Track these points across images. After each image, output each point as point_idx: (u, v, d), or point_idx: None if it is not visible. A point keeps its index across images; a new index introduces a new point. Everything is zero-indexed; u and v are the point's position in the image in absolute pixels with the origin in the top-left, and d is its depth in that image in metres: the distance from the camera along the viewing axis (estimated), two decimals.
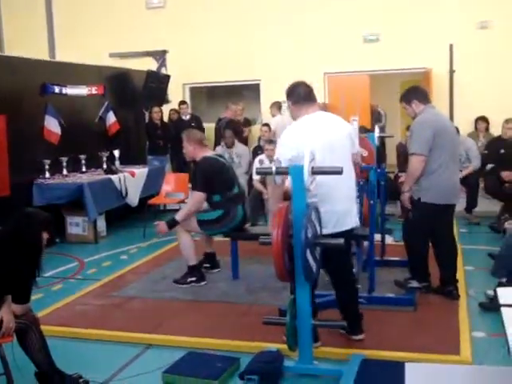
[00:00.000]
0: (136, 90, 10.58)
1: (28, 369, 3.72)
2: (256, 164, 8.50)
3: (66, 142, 8.39)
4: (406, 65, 10.70)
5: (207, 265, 6.36)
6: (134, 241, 8.06)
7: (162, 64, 11.61)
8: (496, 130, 9.63)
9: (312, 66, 11.18)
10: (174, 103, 11.57)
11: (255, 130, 11.24)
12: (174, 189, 9.06)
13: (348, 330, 4.25)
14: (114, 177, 8.51)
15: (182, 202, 8.70)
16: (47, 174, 8.12)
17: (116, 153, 9.27)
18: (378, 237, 5.73)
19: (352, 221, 4.12)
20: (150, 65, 11.46)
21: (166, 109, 11.32)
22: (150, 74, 10.69)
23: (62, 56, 12.07)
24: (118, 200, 8.53)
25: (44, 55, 12.04)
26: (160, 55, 11.93)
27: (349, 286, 4.31)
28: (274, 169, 3.74)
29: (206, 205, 6.03)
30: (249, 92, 12.60)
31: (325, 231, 3.85)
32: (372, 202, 5.22)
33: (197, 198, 5.84)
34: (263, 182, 8.51)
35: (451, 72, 10.74)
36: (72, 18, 12.63)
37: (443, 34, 10.66)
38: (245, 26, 11.63)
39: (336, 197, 3.94)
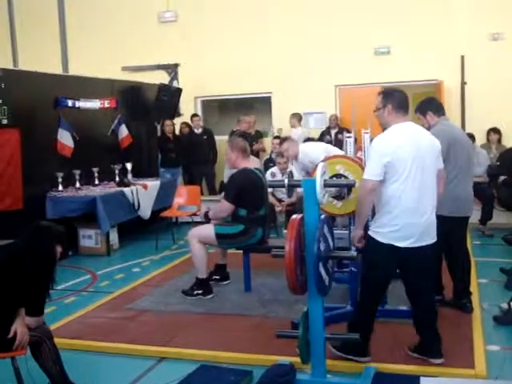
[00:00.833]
0: (148, 103, 10.65)
1: (42, 381, 3.73)
2: (268, 177, 8.51)
3: (79, 154, 8.45)
4: (418, 77, 10.69)
5: (217, 276, 6.35)
6: (146, 253, 8.08)
7: (174, 77, 11.68)
8: (508, 142, 9.61)
9: (323, 79, 11.21)
10: (185, 116, 11.62)
11: (267, 143, 11.26)
12: (187, 201, 9.08)
13: (424, 352, 4.16)
14: (126, 189, 8.55)
15: (194, 214, 8.73)
16: (60, 187, 8.17)
17: (128, 166, 9.31)
18: None
19: (434, 233, 4.08)
20: (162, 78, 11.53)
21: (177, 122, 11.37)
22: (161, 87, 10.76)
23: (74, 70, 12.16)
24: (130, 213, 8.57)
25: (57, 69, 12.14)
26: (172, 68, 12.01)
27: (430, 302, 4.23)
28: (286, 182, 3.75)
29: None
30: (260, 104, 12.64)
31: (407, 244, 3.89)
32: None
33: (224, 208, 5.81)
34: (274, 195, 8.53)
35: (463, 84, 10.72)
36: (85, 32, 12.73)
37: (454, 46, 10.65)
38: (256, 38, 11.68)
39: (420, 210, 3.92)
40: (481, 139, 9.92)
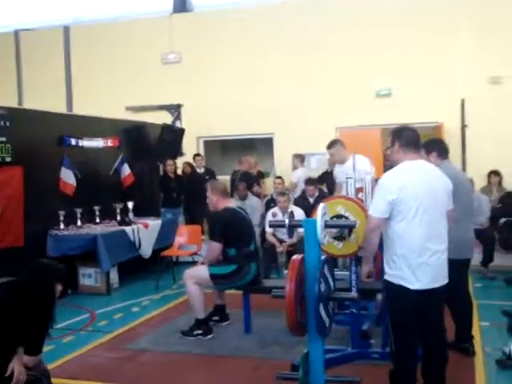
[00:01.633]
0: (151, 143, 10.73)
1: None
2: (269, 217, 8.52)
3: (81, 193, 8.49)
4: (418, 119, 10.75)
5: (216, 317, 6.32)
6: (146, 293, 8.04)
7: (177, 117, 11.82)
8: (509, 184, 9.63)
9: (324, 121, 11.32)
10: (188, 156, 11.70)
11: (268, 183, 11.30)
12: (187, 241, 9.08)
13: None
14: (127, 228, 8.56)
15: (195, 254, 8.72)
16: (62, 225, 8.18)
17: (130, 204, 9.34)
18: None
19: (446, 273, 4.02)
20: (165, 118, 11.67)
21: (180, 162, 11.43)
22: (164, 127, 10.86)
23: (79, 109, 12.31)
24: (131, 251, 8.56)
25: (61, 108, 12.29)
26: (175, 109, 12.17)
27: (441, 344, 4.14)
28: (287, 222, 3.76)
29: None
30: (262, 145, 12.74)
31: (419, 286, 3.83)
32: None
33: (213, 248, 5.87)
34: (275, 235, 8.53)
35: (463, 126, 10.82)
36: (89, 72, 12.94)
37: (455, 89, 10.78)
38: (258, 80, 11.85)
39: (431, 250, 3.86)
40: (481, 181, 9.95)
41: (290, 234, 8.43)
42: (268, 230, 8.50)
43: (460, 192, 4.89)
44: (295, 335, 3.67)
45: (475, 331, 5.41)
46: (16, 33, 13.73)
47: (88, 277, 8.15)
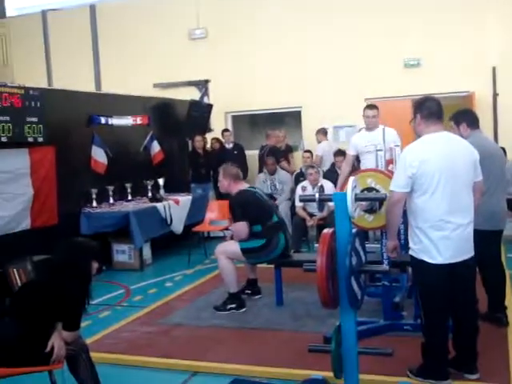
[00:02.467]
0: (179, 120, 10.77)
1: None
2: (299, 191, 8.53)
3: (112, 171, 8.59)
4: (448, 89, 10.61)
5: (248, 291, 6.39)
6: (178, 268, 8.15)
7: (205, 93, 11.80)
8: None
9: (353, 92, 11.20)
10: (216, 132, 11.72)
11: (297, 157, 11.27)
12: (218, 216, 9.14)
13: (461, 367, 4.10)
14: (158, 205, 8.64)
15: (226, 229, 8.77)
16: (94, 203, 8.31)
17: (161, 181, 9.42)
18: None
19: (471, 247, 4.00)
20: (193, 94, 11.66)
21: (208, 137, 11.46)
22: (192, 103, 10.88)
23: (107, 87, 12.38)
24: (163, 228, 8.66)
25: (90, 87, 12.38)
26: (202, 84, 12.14)
27: (472, 318, 4.16)
28: (317, 196, 3.76)
29: None
30: (290, 119, 12.68)
31: (442, 260, 3.84)
32: None
33: (240, 228, 5.93)
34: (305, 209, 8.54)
35: (495, 95, 10.62)
36: (116, 51, 12.98)
37: (485, 57, 10.57)
38: (286, 53, 11.75)
39: (453, 223, 3.84)
40: None
41: (321, 208, 8.42)
42: (298, 204, 8.51)
43: (491, 162, 4.82)
44: (327, 308, 3.69)
45: (508, 301, 5.38)
46: (43, 13, 13.80)
47: (122, 253, 8.28)
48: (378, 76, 11.13)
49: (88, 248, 3.76)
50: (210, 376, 4.49)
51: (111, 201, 8.59)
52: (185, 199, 9.29)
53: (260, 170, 10.53)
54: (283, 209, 9.14)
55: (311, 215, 8.49)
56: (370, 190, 4.76)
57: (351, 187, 3.50)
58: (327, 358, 3.59)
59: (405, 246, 4.74)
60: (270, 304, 6.09)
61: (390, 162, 5.23)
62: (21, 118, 6.90)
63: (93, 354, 3.84)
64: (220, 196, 10.88)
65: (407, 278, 5.60)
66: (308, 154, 10.00)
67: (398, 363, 4.14)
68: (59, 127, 7.74)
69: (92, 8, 13.40)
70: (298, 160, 11.14)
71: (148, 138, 9.63)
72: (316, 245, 3.50)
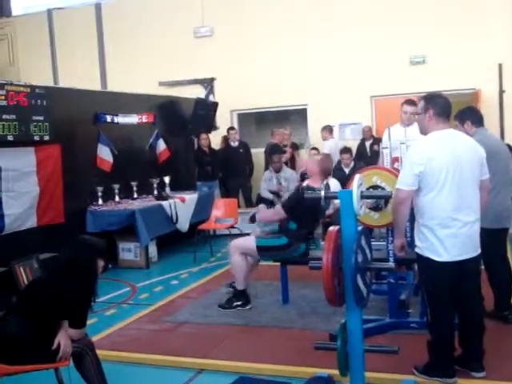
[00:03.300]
0: (185, 118, 10.78)
1: None
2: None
3: (118, 169, 8.60)
4: (454, 86, 10.58)
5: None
6: (184, 266, 8.16)
7: (210, 91, 11.81)
8: None
9: (359, 89, 11.20)
10: (222, 130, 11.72)
11: (303, 155, 11.27)
12: (224, 214, 9.15)
13: (467, 365, 4.09)
14: (164, 203, 8.65)
15: (232, 227, 8.78)
16: (100, 201, 8.32)
17: (166, 179, 9.43)
18: None
19: (478, 245, 3.98)
20: (199, 92, 11.68)
21: (214, 135, 11.45)
22: (198, 101, 10.89)
23: (113, 86, 12.41)
24: (168, 226, 8.66)
25: (96, 85, 12.41)
26: (208, 83, 12.16)
27: (478, 316, 4.15)
28: (322, 194, 3.75)
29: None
30: (296, 116, 12.68)
31: (448, 258, 3.83)
32: None
33: (278, 212, 5.87)
34: None
35: (501, 92, 10.59)
36: (122, 49, 13.00)
37: (491, 54, 10.54)
38: (291, 51, 11.75)
39: (460, 221, 3.83)
40: None
41: (326, 206, 8.39)
42: None
43: (496, 160, 4.78)
44: (333, 306, 3.70)
45: None
46: (49, 12, 13.84)
47: (128, 251, 8.29)
48: (383, 73, 11.12)
49: (94, 246, 3.76)
50: (215, 374, 4.49)
51: (117, 199, 8.61)
52: (191, 197, 9.30)
53: (266, 168, 10.54)
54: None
55: None
56: (375, 187, 4.75)
57: (357, 185, 3.50)
58: (333, 356, 3.60)
59: (411, 244, 4.73)
60: (276, 302, 6.08)
61: (395, 159, 5.21)
62: (27, 116, 6.91)
63: (99, 352, 3.85)
64: (226, 194, 10.93)
65: (413, 276, 5.59)
66: (314, 152, 9.98)
67: (404, 361, 4.14)
68: (65, 125, 7.75)
69: (97, 7, 13.44)
70: (303, 158, 11.13)
71: (153, 136, 9.63)
72: (322, 242, 3.50)
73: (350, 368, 3.71)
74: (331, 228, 3.61)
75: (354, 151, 10.28)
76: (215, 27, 12.37)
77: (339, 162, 9.53)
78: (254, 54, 12.01)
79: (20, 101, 6.82)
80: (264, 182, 9.51)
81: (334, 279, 3.46)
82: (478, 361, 4.08)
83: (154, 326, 5.60)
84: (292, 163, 10.71)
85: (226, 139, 11.46)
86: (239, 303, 5.92)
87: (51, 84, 11.60)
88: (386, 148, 5.18)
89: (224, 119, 12.08)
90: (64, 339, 3.55)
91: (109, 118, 8.66)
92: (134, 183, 8.96)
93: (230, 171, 11.10)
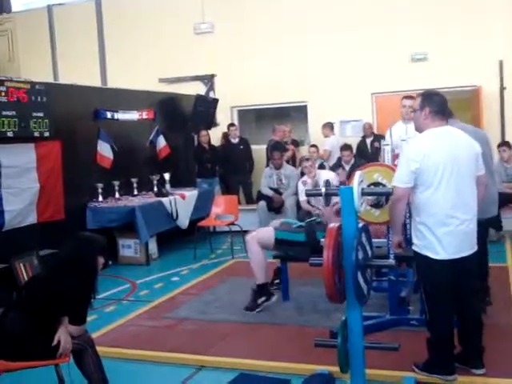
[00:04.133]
0: (185, 114, 10.77)
1: None
2: (300, 186, 8.48)
3: (118, 166, 8.59)
4: (455, 83, 10.57)
5: (278, 280, 6.26)
6: (184, 262, 8.15)
7: (210, 88, 11.80)
8: None
9: (359, 86, 11.18)
10: (222, 126, 11.70)
11: (303, 151, 11.26)
12: (224, 211, 9.13)
13: (467, 362, 4.08)
14: (164, 200, 8.64)
15: (232, 223, 8.77)
16: (100, 198, 8.32)
17: (166, 176, 9.42)
18: None
19: (475, 242, 3.97)
20: (199, 89, 11.66)
21: (214, 132, 11.43)
22: (198, 98, 10.88)
23: (113, 82, 12.39)
24: (168, 222, 8.66)
25: (96, 82, 12.39)
26: (208, 79, 12.15)
27: (476, 313, 4.14)
28: (323, 190, 3.75)
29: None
30: (296, 113, 12.66)
31: (446, 256, 3.82)
32: None
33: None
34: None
35: (502, 89, 10.57)
36: (122, 45, 12.97)
37: (492, 51, 10.51)
38: (292, 48, 11.72)
39: (458, 218, 3.81)
40: None
41: (327, 203, 8.37)
42: (301, 198, 8.47)
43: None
44: (333, 303, 3.69)
45: None
46: (49, 8, 13.81)
47: (128, 248, 8.28)
48: (384, 70, 11.10)
49: (94, 243, 3.76)
50: (215, 370, 4.48)
51: (117, 195, 8.60)
52: (191, 194, 9.29)
53: (267, 165, 10.52)
54: (289, 203, 9.12)
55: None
56: (376, 184, 4.74)
57: (357, 181, 3.49)
58: (333, 353, 3.59)
59: (410, 241, 4.72)
60: (277, 299, 6.07)
61: (396, 156, 5.20)
62: (27, 112, 6.90)
63: (99, 348, 3.85)
64: (226, 191, 10.92)
65: (413, 273, 5.58)
66: (314, 149, 9.97)
67: (404, 358, 4.14)
68: (65, 122, 7.73)
69: (97, 3, 13.42)
70: (304, 154, 11.11)
71: (154, 132, 9.62)
72: (322, 239, 3.49)
73: (350, 365, 3.70)
74: (331, 225, 3.61)
75: (355, 148, 10.26)
76: (216, 23, 12.32)
77: (339, 159, 9.52)
78: (254, 50, 11.98)
79: (20, 97, 6.81)
80: (264, 179, 9.49)
81: (335, 276, 3.45)
82: (477, 358, 4.07)
83: (154, 322, 5.60)
84: (293, 160, 10.70)
85: (226, 136, 11.44)
86: (263, 299, 5.76)
87: (51, 80, 11.56)
88: (388, 145, 5.17)
89: (224, 116, 12.06)
90: (64, 336, 3.55)
91: (109, 115, 8.65)
92: (134, 180, 8.96)
93: (230, 168, 11.09)
